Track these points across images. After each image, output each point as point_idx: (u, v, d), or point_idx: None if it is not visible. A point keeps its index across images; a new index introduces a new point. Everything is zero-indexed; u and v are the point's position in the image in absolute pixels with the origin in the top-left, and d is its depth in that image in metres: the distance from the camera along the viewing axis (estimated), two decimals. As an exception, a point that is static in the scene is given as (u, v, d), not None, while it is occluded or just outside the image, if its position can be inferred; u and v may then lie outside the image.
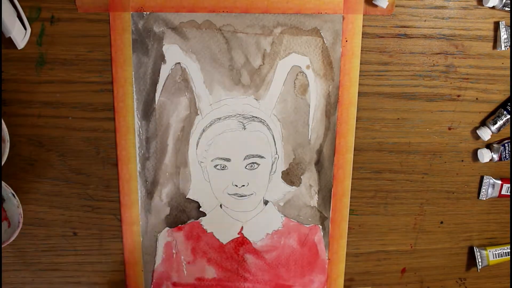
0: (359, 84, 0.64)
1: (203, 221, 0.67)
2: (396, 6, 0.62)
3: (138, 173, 0.65)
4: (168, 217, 0.67)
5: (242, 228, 0.68)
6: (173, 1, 0.59)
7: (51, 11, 0.58)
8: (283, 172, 0.67)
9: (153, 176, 0.65)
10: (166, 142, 0.64)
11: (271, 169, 0.66)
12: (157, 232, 0.67)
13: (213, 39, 0.61)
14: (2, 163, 0.57)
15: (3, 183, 0.58)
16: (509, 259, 0.74)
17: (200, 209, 0.67)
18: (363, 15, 0.62)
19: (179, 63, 0.62)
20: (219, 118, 0.64)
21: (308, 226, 0.69)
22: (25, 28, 0.58)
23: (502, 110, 0.67)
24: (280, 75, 0.63)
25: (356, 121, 0.66)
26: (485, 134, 0.67)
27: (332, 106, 0.65)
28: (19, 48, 0.58)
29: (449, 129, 0.68)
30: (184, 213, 0.67)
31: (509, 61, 0.66)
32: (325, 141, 0.66)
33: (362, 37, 0.63)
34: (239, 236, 0.69)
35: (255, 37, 0.62)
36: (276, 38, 0.62)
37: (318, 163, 0.67)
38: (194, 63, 0.62)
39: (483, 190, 0.71)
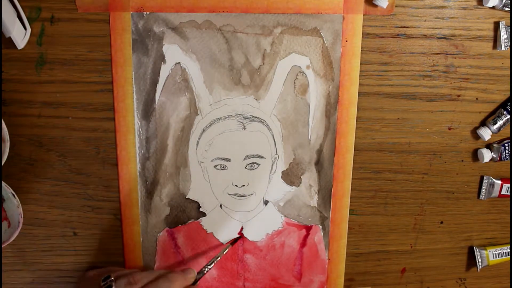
0: (359, 84, 0.64)
1: (203, 221, 0.68)
2: (396, 6, 0.62)
3: (138, 173, 0.65)
4: (168, 217, 0.67)
5: (242, 228, 0.68)
6: (173, 1, 0.59)
7: (51, 11, 0.58)
8: (283, 172, 0.67)
9: (153, 176, 0.65)
10: (166, 142, 0.64)
11: (271, 169, 0.66)
12: (157, 232, 0.67)
13: (213, 39, 0.61)
14: (2, 163, 0.57)
15: (3, 183, 0.58)
16: (509, 259, 0.74)
17: (200, 209, 0.67)
18: (363, 15, 0.62)
19: (179, 63, 0.62)
20: (219, 118, 0.64)
21: (308, 226, 0.69)
22: (25, 28, 0.58)
23: (502, 110, 0.67)
24: (280, 75, 0.63)
25: (356, 121, 0.66)
26: (485, 134, 0.67)
27: (332, 106, 0.65)
28: (19, 48, 0.58)
29: (449, 129, 0.68)
30: (184, 213, 0.67)
31: (509, 61, 0.66)
32: (325, 141, 0.66)
33: (362, 37, 0.63)
34: (239, 236, 0.69)
35: (255, 37, 0.62)
36: (276, 38, 0.62)
37: (318, 163, 0.67)
38: (194, 63, 0.62)
39: (483, 190, 0.71)
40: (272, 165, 0.66)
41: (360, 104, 0.65)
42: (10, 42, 0.57)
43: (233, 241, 0.68)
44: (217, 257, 0.65)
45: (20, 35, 0.57)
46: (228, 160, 0.65)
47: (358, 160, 0.68)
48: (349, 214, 0.69)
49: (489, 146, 0.70)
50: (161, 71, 0.62)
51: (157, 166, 0.65)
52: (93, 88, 0.62)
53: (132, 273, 0.59)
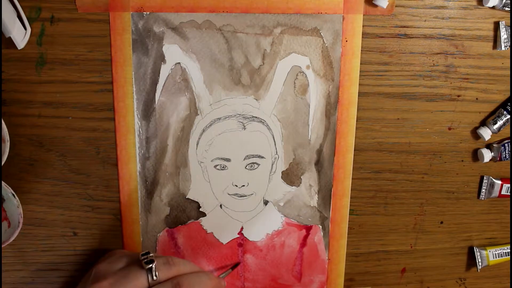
0: (359, 84, 0.64)
1: (203, 221, 0.68)
2: (396, 6, 0.62)
3: (138, 173, 0.65)
4: (168, 217, 0.67)
5: (242, 228, 0.68)
6: (173, 1, 0.59)
7: (51, 11, 0.58)
8: (283, 172, 0.67)
9: (153, 176, 0.65)
10: (166, 142, 0.64)
11: (271, 169, 0.66)
12: (157, 232, 0.67)
13: (213, 39, 0.61)
14: (2, 163, 0.57)
15: (3, 183, 0.58)
16: (509, 259, 0.74)
17: (200, 209, 0.67)
18: (363, 15, 0.62)
19: (179, 63, 0.62)
20: (219, 118, 0.64)
21: (308, 226, 0.69)
22: (25, 28, 0.58)
23: (502, 110, 0.67)
24: (280, 75, 0.63)
25: (356, 121, 0.66)
26: (485, 134, 0.67)
27: (332, 106, 0.65)
28: (19, 48, 0.58)
29: (449, 129, 0.68)
30: (184, 213, 0.67)
31: (509, 61, 0.66)
32: (325, 141, 0.66)
33: (362, 37, 0.63)
34: (239, 236, 0.69)
35: (255, 37, 0.62)
36: (276, 38, 0.62)
37: (318, 163, 0.67)
38: (194, 63, 0.62)
39: (483, 190, 0.71)
40: (272, 165, 0.66)
41: (360, 104, 0.65)
42: (10, 42, 0.57)
43: (233, 267, 0.69)
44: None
45: (20, 35, 0.57)
46: (228, 160, 0.65)
47: (358, 160, 0.68)
48: (349, 214, 0.69)
49: (489, 146, 0.70)
50: (161, 71, 0.62)
51: (157, 166, 0.65)
52: (93, 88, 0.62)
53: (169, 256, 0.60)
